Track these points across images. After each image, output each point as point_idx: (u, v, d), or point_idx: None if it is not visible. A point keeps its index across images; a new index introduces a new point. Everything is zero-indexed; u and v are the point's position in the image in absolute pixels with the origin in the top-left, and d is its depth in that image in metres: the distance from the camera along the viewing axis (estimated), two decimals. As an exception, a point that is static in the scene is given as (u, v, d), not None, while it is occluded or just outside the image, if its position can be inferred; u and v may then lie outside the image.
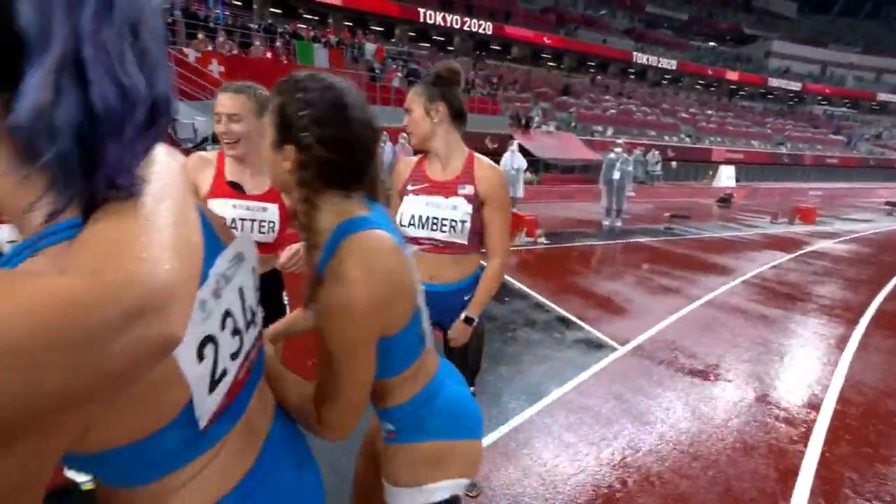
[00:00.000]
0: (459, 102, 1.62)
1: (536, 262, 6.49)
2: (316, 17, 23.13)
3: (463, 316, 1.66)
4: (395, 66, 16.80)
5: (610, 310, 4.47)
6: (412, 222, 1.61)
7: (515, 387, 2.95)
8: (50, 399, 0.34)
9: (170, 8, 12.79)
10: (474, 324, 1.67)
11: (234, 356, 0.58)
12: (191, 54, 10.16)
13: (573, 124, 21.31)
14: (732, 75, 37.07)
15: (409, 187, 1.65)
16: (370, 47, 17.09)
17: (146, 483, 0.53)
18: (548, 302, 4.59)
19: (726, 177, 19.28)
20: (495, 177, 1.60)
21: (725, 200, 14.82)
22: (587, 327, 3.99)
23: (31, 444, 0.36)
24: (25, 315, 0.32)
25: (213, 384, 0.54)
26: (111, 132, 0.40)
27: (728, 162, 22.15)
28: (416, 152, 1.72)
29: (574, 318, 4.17)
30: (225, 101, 1.53)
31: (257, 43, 12.95)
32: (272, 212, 1.62)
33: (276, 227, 1.64)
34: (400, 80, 15.36)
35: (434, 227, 1.59)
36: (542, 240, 7.42)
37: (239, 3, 20.47)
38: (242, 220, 1.59)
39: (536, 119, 19.19)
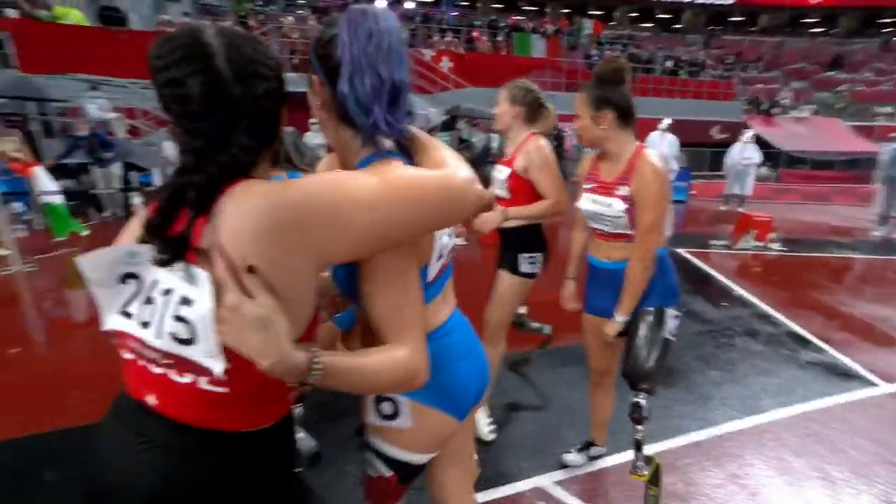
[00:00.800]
0: (626, 103, 1.65)
1: (766, 269, 5.56)
2: (535, 8, 23.58)
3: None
4: (610, 50, 15.99)
5: (870, 337, 3.59)
6: (587, 215, 1.82)
7: (727, 393, 2.72)
8: (440, 223, 0.79)
9: (412, 17, 14.86)
10: (617, 319, 1.73)
11: (443, 248, 0.95)
12: (427, 54, 11.68)
13: (842, 106, 16.81)
14: None
15: (584, 185, 1.82)
16: (587, 24, 16.61)
17: (435, 296, 0.94)
18: (776, 314, 3.95)
19: None
20: (647, 176, 1.63)
21: None
22: (831, 351, 3.31)
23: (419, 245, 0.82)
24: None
25: (437, 257, 0.92)
26: (375, 98, 0.77)
27: None
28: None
29: (812, 338, 3.51)
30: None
31: (485, 39, 14.02)
32: (503, 173, 2.08)
33: (504, 186, 2.08)
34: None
35: (599, 220, 1.76)
36: (776, 245, 6.27)
37: (466, 4, 22.31)
38: (495, 178, 2.16)
39: (785, 102, 15.82)
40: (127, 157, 7.53)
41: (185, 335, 0.64)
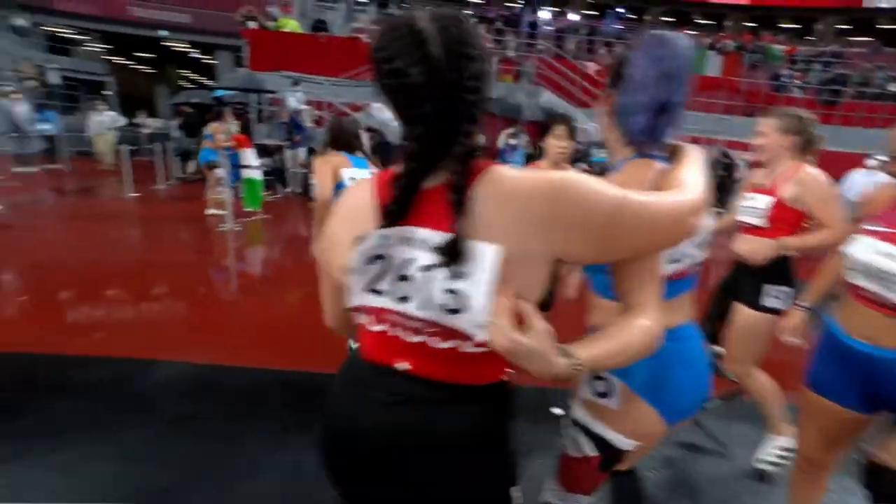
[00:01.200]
0: None
1: None
2: (713, 22, 21.42)
3: None
4: (799, 72, 13.61)
5: None
6: (856, 267, 1.29)
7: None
8: (654, 248, 0.80)
9: (577, 29, 14.58)
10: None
11: (677, 253, 1.03)
12: (591, 67, 11.37)
13: None
14: None
15: (868, 226, 1.31)
16: (777, 49, 14.44)
17: (669, 298, 0.95)
18: None
19: None
20: None
21: None
22: None
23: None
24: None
25: (670, 261, 1.00)
26: (640, 112, 0.94)
27: None
28: None
29: None
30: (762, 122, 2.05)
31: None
32: (760, 201, 1.97)
33: (762, 215, 1.95)
34: (805, 90, 12.53)
35: (883, 282, 1.22)
36: None
37: (634, 17, 21.18)
38: (743, 206, 2.06)
39: None
40: (311, 143, 8.69)
41: (454, 306, 0.68)
